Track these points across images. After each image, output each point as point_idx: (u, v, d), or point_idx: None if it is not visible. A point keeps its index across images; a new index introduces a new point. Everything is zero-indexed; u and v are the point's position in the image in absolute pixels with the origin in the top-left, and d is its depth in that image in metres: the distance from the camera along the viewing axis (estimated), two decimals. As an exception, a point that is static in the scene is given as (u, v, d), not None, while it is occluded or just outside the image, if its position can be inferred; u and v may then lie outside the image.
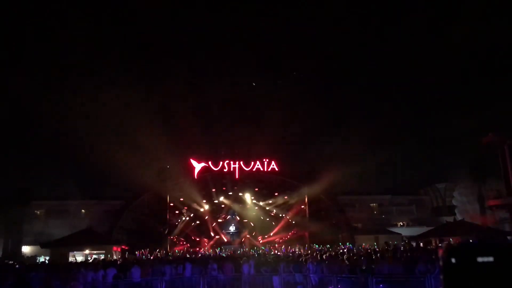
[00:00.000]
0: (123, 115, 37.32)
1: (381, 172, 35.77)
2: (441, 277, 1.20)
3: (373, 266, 15.27)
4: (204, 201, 38.80)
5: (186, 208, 38.69)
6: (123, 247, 32.81)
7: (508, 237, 29.56)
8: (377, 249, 24.93)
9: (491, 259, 1.16)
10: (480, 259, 1.16)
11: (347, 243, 32.41)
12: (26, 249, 36.60)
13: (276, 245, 36.13)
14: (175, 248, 35.24)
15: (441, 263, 1.21)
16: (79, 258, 29.11)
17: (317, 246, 31.73)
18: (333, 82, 38.56)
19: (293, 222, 40.40)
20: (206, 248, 35.75)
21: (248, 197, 39.80)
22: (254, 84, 39.56)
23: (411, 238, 33.38)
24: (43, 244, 32.07)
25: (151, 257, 27.58)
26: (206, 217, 39.73)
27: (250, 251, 30.44)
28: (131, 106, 37.46)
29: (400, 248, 25.07)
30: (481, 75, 37.73)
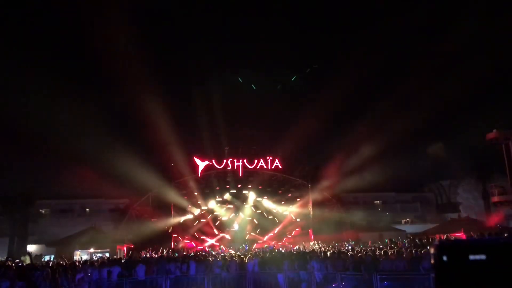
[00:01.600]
0: (127, 113, 37.35)
1: (385, 169, 35.58)
2: (432, 275, 1.19)
3: (377, 263, 15.26)
4: (208, 199, 38.95)
5: (190, 206, 38.80)
6: (127, 245, 32.94)
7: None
8: (381, 246, 24.87)
9: (483, 257, 1.13)
10: (472, 257, 1.13)
11: (351, 240, 32.38)
12: (31, 248, 36.78)
13: (280, 243, 36.18)
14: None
15: (432, 261, 1.20)
16: (84, 257, 29.23)
17: (321, 243, 31.75)
18: (333, 81, 38.34)
19: (297, 219, 40.47)
20: (210, 246, 35.86)
21: (251, 195, 39.84)
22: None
23: (415, 235, 33.28)
24: (48, 243, 32.21)
25: (156, 256, 27.66)
26: (210, 215, 39.83)
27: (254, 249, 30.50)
28: (134, 105, 37.46)
29: (405, 245, 25.00)
30: (484, 71, 37.44)
